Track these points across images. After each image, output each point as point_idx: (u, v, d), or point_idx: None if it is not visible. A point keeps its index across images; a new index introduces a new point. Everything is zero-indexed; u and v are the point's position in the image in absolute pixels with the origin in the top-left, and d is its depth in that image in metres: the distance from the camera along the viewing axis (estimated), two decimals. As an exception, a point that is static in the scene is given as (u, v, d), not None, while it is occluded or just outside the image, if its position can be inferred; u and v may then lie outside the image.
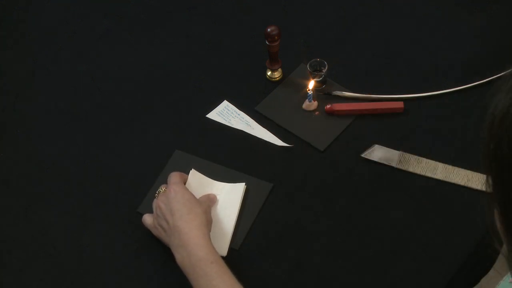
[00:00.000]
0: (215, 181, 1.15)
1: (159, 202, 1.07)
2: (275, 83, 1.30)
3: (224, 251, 1.08)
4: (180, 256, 1.01)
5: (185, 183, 1.12)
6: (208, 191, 1.14)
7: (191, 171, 1.15)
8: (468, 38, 1.36)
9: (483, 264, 1.20)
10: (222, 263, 0.99)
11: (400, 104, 1.25)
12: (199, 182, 1.14)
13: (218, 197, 1.14)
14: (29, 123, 1.27)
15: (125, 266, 1.09)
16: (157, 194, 1.10)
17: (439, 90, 1.27)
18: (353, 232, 1.11)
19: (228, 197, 1.14)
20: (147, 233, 1.10)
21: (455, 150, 1.20)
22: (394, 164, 1.17)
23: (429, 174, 1.16)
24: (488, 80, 1.25)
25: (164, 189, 1.10)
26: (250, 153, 1.21)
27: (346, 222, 1.12)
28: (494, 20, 1.38)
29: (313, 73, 1.26)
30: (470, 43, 1.35)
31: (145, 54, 1.36)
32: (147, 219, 1.10)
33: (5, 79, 1.34)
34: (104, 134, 1.25)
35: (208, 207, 1.08)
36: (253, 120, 1.25)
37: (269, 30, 1.22)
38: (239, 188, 1.14)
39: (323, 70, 1.26)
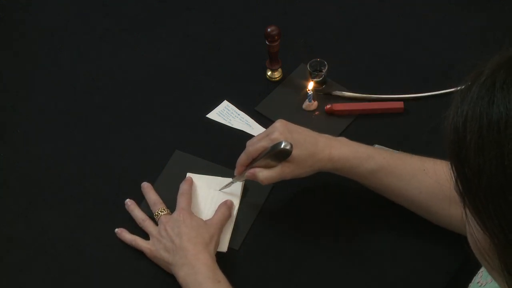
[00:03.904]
0: (213, 177, 1.16)
1: (165, 224, 1.06)
2: (275, 83, 1.30)
3: (224, 247, 1.08)
4: (184, 274, 1.01)
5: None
6: (206, 187, 1.14)
7: (187, 175, 1.15)
8: (468, 38, 1.36)
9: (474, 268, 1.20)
10: (228, 284, 0.99)
11: (400, 104, 1.25)
12: (196, 183, 1.15)
13: (217, 192, 1.14)
14: (29, 123, 1.27)
15: (125, 266, 1.09)
16: (157, 214, 1.09)
17: (439, 90, 1.27)
18: (353, 232, 1.11)
19: (228, 194, 1.14)
20: (147, 233, 1.10)
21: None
22: (394, 164, 1.17)
23: (429, 174, 1.16)
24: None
25: (165, 211, 1.10)
26: (250, 153, 1.21)
27: (346, 222, 1.12)
28: (494, 20, 1.38)
29: (313, 73, 1.26)
30: (470, 43, 1.35)
31: (145, 54, 1.36)
32: (143, 244, 1.09)
33: (5, 79, 1.34)
34: (104, 134, 1.25)
35: (217, 230, 1.07)
36: (253, 120, 1.25)
37: (269, 30, 1.22)
38: (237, 184, 1.14)
39: (323, 70, 1.26)
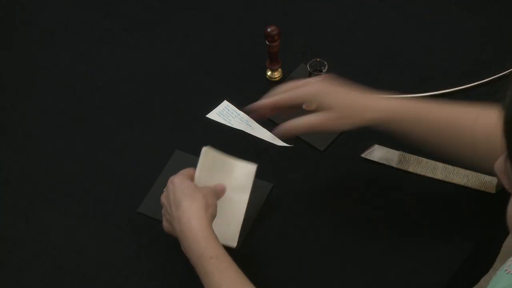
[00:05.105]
0: (228, 158, 1.10)
1: (162, 197, 1.05)
2: (275, 83, 1.30)
3: (233, 241, 1.07)
4: (183, 248, 0.99)
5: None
6: (219, 169, 1.09)
7: (204, 149, 1.08)
8: (468, 38, 1.36)
9: (483, 264, 1.20)
10: (223, 256, 0.95)
11: (400, 104, 1.25)
12: (212, 161, 1.09)
13: (228, 177, 1.09)
14: (29, 123, 1.27)
15: (125, 266, 1.09)
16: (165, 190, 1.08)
17: (439, 90, 1.27)
18: (353, 232, 1.11)
19: (239, 180, 1.09)
20: (147, 233, 1.10)
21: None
22: (394, 164, 1.17)
23: (429, 174, 1.16)
24: (488, 80, 1.26)
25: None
26: (250, 153, 1.21)
27: (346, 222, 1.13)
28: (494, 20, 1.38)
29: (313, 73, 1.26)
30: (470, 43, 1.35)
31: (145, 54, 1.36)
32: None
33: (5, 79, 1.35)
34: (104, 134, 1.25)
35: (210, 191, 1.03)
36: (253, 120, 1.25)
37: (269, 30, 1.22)
38: (250, 171, 1.10)
39: (323, 70, 1.26)
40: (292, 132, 1.06)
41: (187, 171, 1.06)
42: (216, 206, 1.02)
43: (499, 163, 0.67)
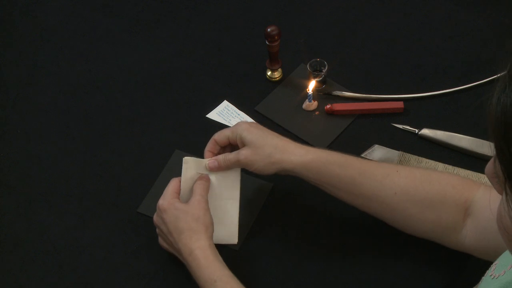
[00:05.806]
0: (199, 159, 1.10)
1: (156, 221, 1.05)
2: (275, 83, 1.30)
3: (234, 239, 1.08)
4: (190, 272, 1.01)
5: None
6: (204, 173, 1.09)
7: (183, 159, 1.09)
8: (468, 38, 1.36)
9: (483, 264, 1.20)
10: (226, 278, 0.98)
11: (400, 104, 1.25)
12: (194, 168, 1.09)
13: (215, 178, 1.09)
14: (29, 123, 1.27)
15: (125, 266, 1.09)
16: None
17: (439, 90, 1.27)
18: (353, 233, 1.11)
19: (226, 178, 1.09)
20: (147, 233, 1.10)
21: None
22: (394, 164, 1.17)
23: (429, 174, 1.16)
24: (488, 80, 1.26)
25: None
26: (250, 153, 1.21)
27: (346, 222, 1.13)
28: (494, 20, 1.38)
29: (313, 73, 1.26)
30: (470, 43, 1.35)
31: (145, 54, 1.36)
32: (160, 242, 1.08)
33: (5, 79, 1.34)
34: (104, 134, 1.25)
35: (201, 210, 1.02)
36: (253, 120, 1.25)
37: (269, 30, 1.22)
38: (235, 174, 1.10)
39: (323, 70, 1.26)
40: (222, 168, 1.08)
41: (172, 187, 1.06)
42: (211, 218, 1.03)
43: (489, 167, 0.67)
